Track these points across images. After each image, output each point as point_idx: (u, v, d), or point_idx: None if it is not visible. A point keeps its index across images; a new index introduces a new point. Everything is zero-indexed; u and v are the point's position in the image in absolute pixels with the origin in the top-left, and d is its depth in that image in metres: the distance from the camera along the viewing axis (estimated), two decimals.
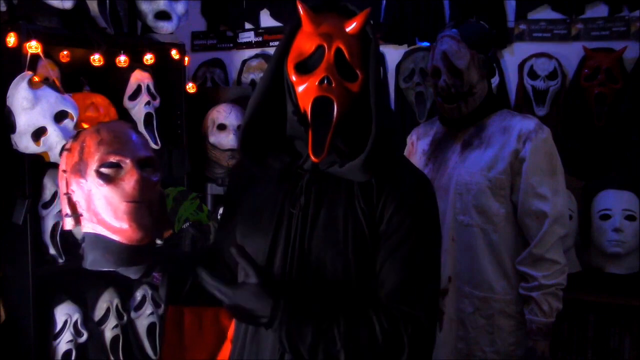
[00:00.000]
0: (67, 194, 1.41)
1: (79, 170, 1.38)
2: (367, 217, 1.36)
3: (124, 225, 1.36)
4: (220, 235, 1.62)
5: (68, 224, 1.43)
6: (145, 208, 1.38)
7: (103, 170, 1.36)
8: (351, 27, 1.36)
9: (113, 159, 1.37)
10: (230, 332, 1.94)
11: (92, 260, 1.41)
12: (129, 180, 1.36)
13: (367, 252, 1.36)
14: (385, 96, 1.48)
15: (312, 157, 1.33)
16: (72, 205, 1.41)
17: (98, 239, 1.39)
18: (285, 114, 1.41)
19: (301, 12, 1.37)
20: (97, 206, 1.37)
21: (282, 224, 1.41)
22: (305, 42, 1.37)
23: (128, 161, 1.37)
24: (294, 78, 1.37)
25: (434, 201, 1.43)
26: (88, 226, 1.41)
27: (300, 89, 1.36)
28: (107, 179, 1.36)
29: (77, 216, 1.41)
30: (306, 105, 1.34)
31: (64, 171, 1.42)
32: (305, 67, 1.36)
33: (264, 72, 1.43)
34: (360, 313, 1.32)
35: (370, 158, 1.33)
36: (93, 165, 1.37)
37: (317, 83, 1.33)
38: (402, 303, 1.33)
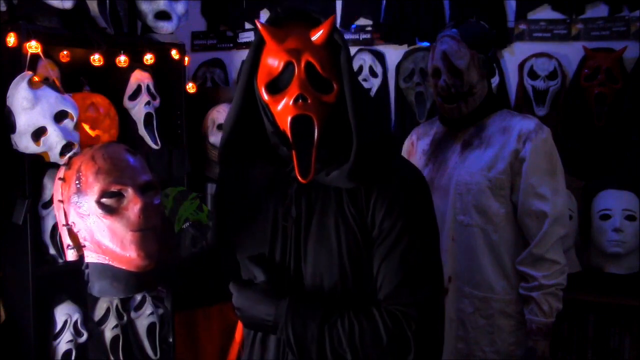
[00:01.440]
0: (66, 225, 1.38)
1: (77, 202, 1.34)
2: (359, 223, 1.33)
3: (132, 254, 1.33)
4: (217, 236, 1.61)
5: (70, 255, 1.41)
6: (152, 234, 1.36)
7: (104, 201, 1.33)
8: (317, 36, 1.29)
9: (114, 188, 1.34)
10: (237, 333, 1.96)
11: (100, 289, 1.40)
12: (133, 209, 1.33)
13: (362, 258, 1.34)
14: (368, 99, 1.41)
15: (300, 179, 1.30)
16: (74, 236, 1.39)
17: (105, 267, 1.37)
18: (262, 126, 1.36)
19: (260, 28, 1.30)
20: (101, 237, 1.34)
21: (277, 238, 1.39)
22: (273, 60, 1.29)
23: (129, 189, 1.34)
24: (267, 98, 1.31)
25: (425, 199, 1.38)
26: (92, 256, 1.39)
27: (275, 108, 1.30)
28: (110, 210, 1.33)
29: (79, 247, 1.39)
30: (285, 126, 1.30)
31: (61, 201, 1.39)
32: (276, 86, 1.30)
33: (235, 93, 1.37)
34: (363, 312, 1.31)
35: (354, 168, 1.30)
36: (93, 197, 1.33)
37: (291, 102, 1.27)
38: (400, 304, 1.30)
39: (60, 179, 1.40)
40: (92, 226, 1.34)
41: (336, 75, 1.30)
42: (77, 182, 1.35)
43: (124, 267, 1.36)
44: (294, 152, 1.30)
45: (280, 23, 1.32)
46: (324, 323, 1.29)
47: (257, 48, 1.33)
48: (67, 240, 1.40)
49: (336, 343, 1.29)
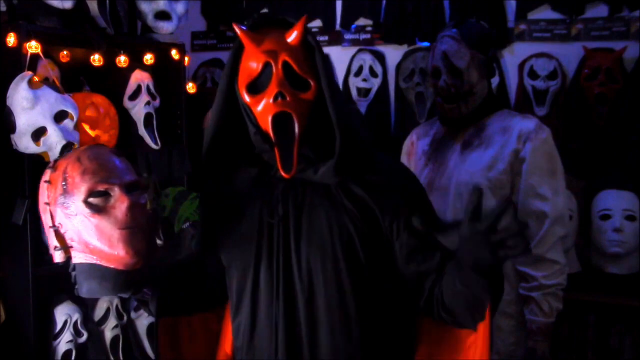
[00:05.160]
0: (53, 227, 1.40)
1: (64, 202, 1.36)
2: (355, 217, 1.37)
3: (120, 252, 1.35)
4: (202, 247, 1.61)
5: (58, 256, 1.42)
6: (139, 232, 1.38)
7: (92, 200, 1.35)
8: (292, 37, 1.35)
9: (101, 187, 1.36)
10: (226, 340, 1.94)
11: (88, 290, 1.41)
12: (120, 207, 1.36)
13: (355, 251, 1.37)
14: (342, 96, 1.50)
15: (283, 174, 1.34)
16: (60, 237, 1.40)
17: (92, 267, 1.38)
18: (245, 130, 1.40)
19: (239, 33, 1.35)
20: (89, 237, 1.36)
21: (263, 237, 1.41)
22: (252, 62, 1.36)
23: (116, 188, 1.37)
24: (247, 99, 1.36)
25: (416, 177, 1.52)
26: (79, 256, 1.40)
27: (256, 109, 1.35)
28: (97, 209, 1.35)
29: (66, 248, 1.41)
30: (266, 125, 1.34)
31: (47, 204, 1.40)
32: (256, 87, 1.36)
33: (216, 98, 1.42)
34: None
35: (341, 162, 1.34)
36: (80, 197, 1.35)
37: (271, 100, 1.33)
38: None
39: (45, 181, 1.42)
40: (79, 226, 1.36)
41: (313, 74, 1.36)
42: (63, 183, 1.37)
43: (112, 266, 1.37)
44: (276, 149, 1.34)
45: (258, 28, 1.39)
46: None
47: (236, 53, 1.39)
48: (54, 242, 1.42)
49: None
